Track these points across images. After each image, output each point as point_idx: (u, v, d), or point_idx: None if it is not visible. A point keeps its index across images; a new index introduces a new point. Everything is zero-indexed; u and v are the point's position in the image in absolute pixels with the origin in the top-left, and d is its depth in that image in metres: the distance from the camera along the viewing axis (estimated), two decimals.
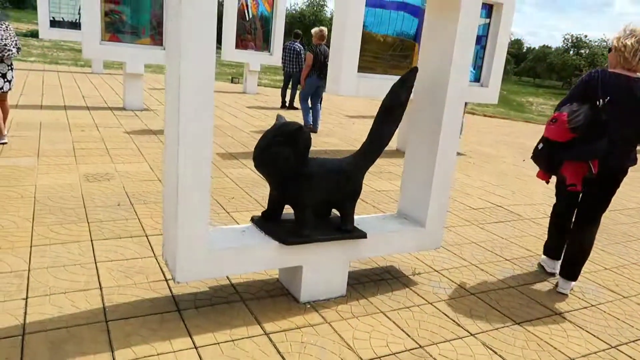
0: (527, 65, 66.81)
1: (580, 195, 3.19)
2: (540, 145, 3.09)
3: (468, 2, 2.83)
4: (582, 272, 3.35)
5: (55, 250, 3.11)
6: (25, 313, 2.41)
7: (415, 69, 2.95)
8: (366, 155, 2.90)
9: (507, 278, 3.41)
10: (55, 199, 4.00)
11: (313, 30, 8.52)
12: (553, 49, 67.56)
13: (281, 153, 2.50)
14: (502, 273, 3.49)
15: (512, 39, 75.43)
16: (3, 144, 5.51)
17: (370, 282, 3.13)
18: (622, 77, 2.92)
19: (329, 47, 7.16)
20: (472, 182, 6.17)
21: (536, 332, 2.75)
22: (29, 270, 2.82)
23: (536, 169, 3.21)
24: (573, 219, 3.30)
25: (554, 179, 3.25)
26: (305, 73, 8.13)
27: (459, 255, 3.72)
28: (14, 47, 5.36)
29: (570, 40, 68.72)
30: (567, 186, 3.04)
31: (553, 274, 3.49)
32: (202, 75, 2.18)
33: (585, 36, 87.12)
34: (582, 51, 66.99)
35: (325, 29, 8.30)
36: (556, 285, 3.32)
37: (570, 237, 3.28)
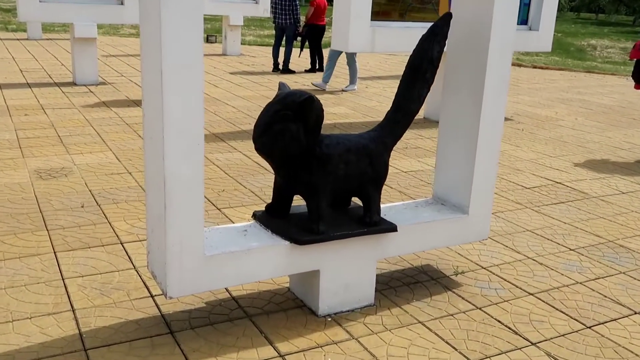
0: None
1: None
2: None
3: None
4: None
5: (11, 266, 3.24)
6: None
7: (449, 15, 3.02)
8: (392, 128, 3.00)
9: (573, 272, 3.52)
10: (3, 202, 4.13)
11: None
12: None
13: (287, 131, 2.58)
14: (566, 267, 3.60)
15: None
16: None
17: (403, 286, 3.25)
18: None
19: None
20: (523, 154, 6.26)
21: (612, 337, 2.86)
22: None
23: None
24: None
25: None
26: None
27: (511, 248, 3.83)
28: None
29: None
30: None
31: None
32: (190, 29, 2.24)
33: None
34: None
35: None
36: None
37: None
